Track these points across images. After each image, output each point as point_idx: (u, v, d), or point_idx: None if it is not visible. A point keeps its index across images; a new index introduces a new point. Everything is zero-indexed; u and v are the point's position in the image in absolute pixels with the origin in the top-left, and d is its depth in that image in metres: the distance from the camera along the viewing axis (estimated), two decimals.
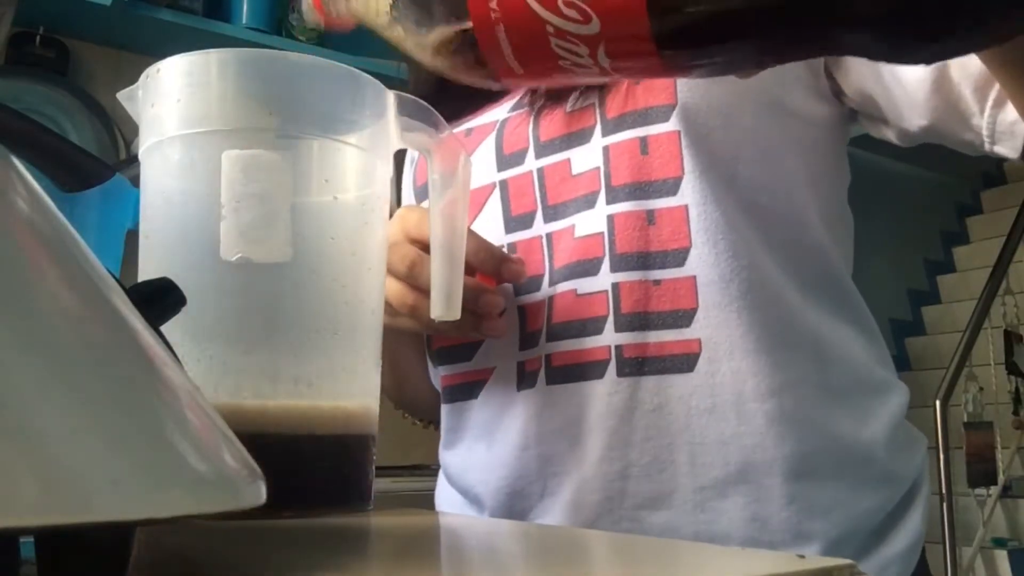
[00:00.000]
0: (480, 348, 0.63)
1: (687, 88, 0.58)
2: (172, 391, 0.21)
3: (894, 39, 0.32)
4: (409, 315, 0.57)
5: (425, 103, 0.49)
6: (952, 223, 4.58)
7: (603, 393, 0.57)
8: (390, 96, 0.47)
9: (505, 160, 0.64)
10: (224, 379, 0.41)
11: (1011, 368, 3.48)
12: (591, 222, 0.59)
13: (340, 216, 0.45)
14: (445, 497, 0.69)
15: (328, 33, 2.04)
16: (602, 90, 0.61)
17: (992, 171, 4.59)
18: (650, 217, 0.58)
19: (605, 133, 0.60)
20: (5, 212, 0.21)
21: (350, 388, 0.44)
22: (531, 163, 0.63)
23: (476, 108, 0.67)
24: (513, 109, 0.65)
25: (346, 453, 0.44)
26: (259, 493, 0.22)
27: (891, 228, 3.77)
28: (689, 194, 0.57)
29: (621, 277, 0.58)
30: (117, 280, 0.24)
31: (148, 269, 0.44)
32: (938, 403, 2.82)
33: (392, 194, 0.57)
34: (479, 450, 0.64)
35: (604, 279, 0.58)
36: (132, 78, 0.46)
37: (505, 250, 0.63)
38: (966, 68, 0.53)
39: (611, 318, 0.58)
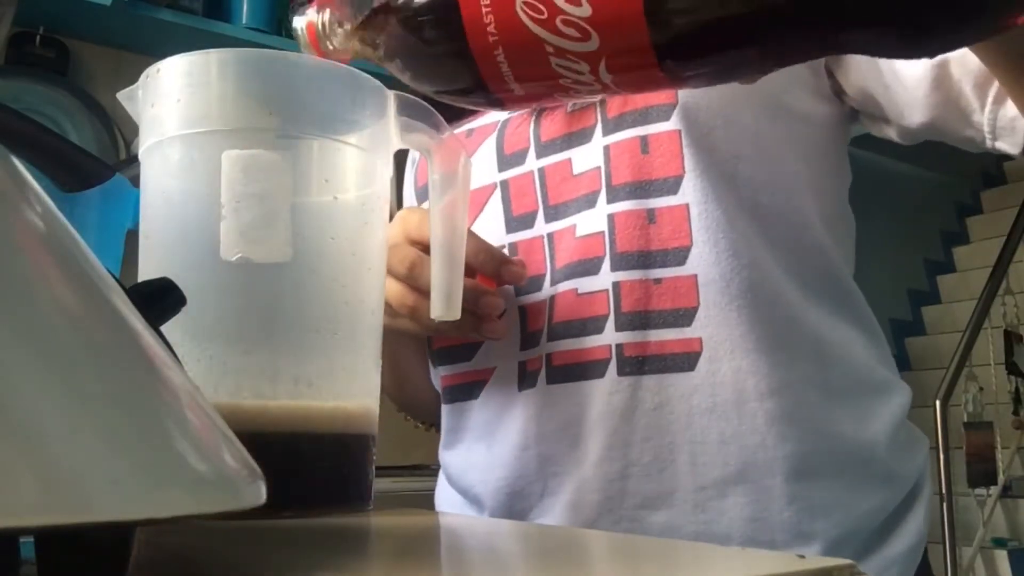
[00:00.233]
0: (480, 348, 0.63)
1: None
2: (172, 391, 0.21)
3: (897, 34, 0.32)
4: (409, 316, 0.57)
5: (425, 103, 0.49)
6: (952, 223, 4.58)
7: (604, 392, 0.57)
8: (390, 96, 0.47)
9: (506, 160, 0.64)
10: (224, 379, 0.41)
11: (1011, 368, 3.48)
12: (592, 221, 0.59)
13: (340, 216, 0.45)
14: (445, 497, 0.69)
15: None
16: None
17: (992, 171, 4.59)
18: (651, 216, 0.58)
19: (606, 132, 0.60)
20: (5, 212, 0.21)
21: (350, 388, 0.44)
22: (532, 163, 0.63)
23: (475, 111, 0.67)
24: (513, 111, 0.65)
25: (346, 453, 0.44)
26: (259, 493, 0.22)
27: (891, 228, 3.77)
28: (690, 193, 0.57)
29: (622, 276, 0.58)
30: (117, 280, 0.24)
31: (148, 269, 0.44)
32: (938, 403, 2.82)
33: (392, 195, 0.57)
34: (479, 450, 0.64)
35: (605, 278, 0.58)
36: (132, 78, 0.46)
37: (506, 250, 0.63)
38: (966, 65, 0.53)
39: (612, 317, 0.58)
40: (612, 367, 0.57)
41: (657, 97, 0.58)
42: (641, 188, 0.58)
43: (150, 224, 0.44)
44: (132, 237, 0.51)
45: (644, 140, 0.58)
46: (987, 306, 3.24)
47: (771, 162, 0.60)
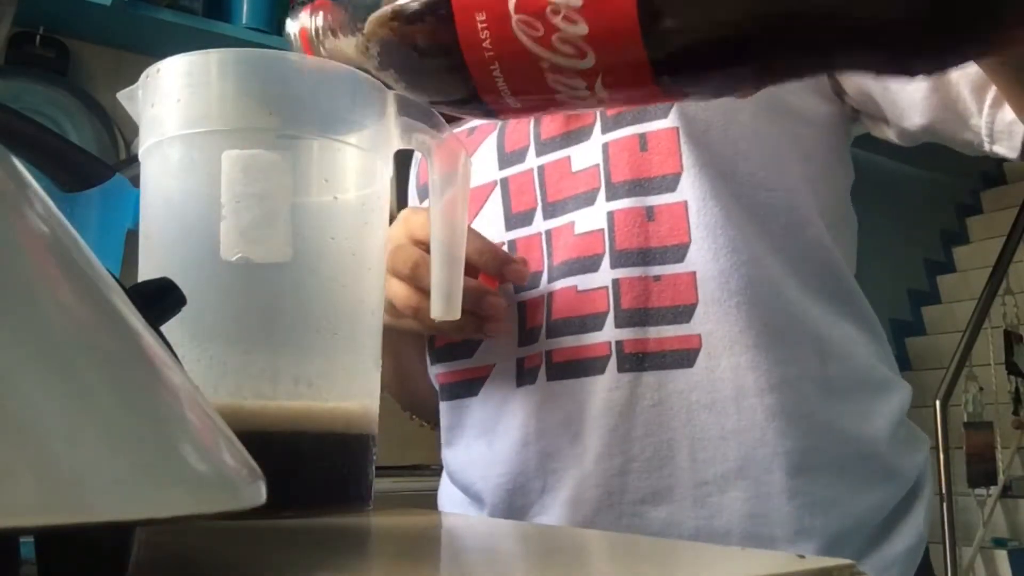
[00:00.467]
0: (481, 346, 0.63)
1: None
2: (172, 391, 0.21)
3: (893, 55, 0.32)
4: (412, 316, 0.57)
5: (425, 103, 0.49)
6: (952, 223, 4.58)
7: (604, 389, 0.58)
8: (390, 96, 0.47)
9: (506, 158, 0.64)
10: (224, 379, 0.41)
11: (1011, 368, 3.48)
12: (591, 219, 0.59)
13: (340, 216, 0.45)
14: (447, 496, 0.70)
15: None
16: None
17: (992, 171, 4.59)
18: (649, 213, 0.58)
19: (605, 130, 0.60)
20: (5, 212, 0.21)
21: (350, 388, 0.44)
22: (532, 161, 0.63)
23: None
24: None
25: (346, 453, 0.44)
26: (259, 493, 0.22)
27: (891, 228, 3.77)
28: (688, 190, 0.57)
29: (621, 273, 0.58)
30: (117, 280, 0.24)
31: (148, 269, 0.44)
32: (938, 403, 2.82)
33: (393, 194, 0.57)
34: (479, 447, 0.64)
35: (604, 275, 0.58)
36: (132, 78, 0.46)
37: (505, 247, 0.63)
38: (964, 69, 0.53)
39: (611, 314, 0.58)
40: (612, 364, 0.58)
41: None
42: (640, 185, 0.58)
43: (150, 224, 0.44)
44: (132, 237, 0.51)
45: (643, 137, 0.58)
46: (987, 306, 3.24)
47: (770, 160, 0.60)
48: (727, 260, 0.56)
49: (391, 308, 0.56)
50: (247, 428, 0.37)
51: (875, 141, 0.67)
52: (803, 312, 0.59)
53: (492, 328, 0.57)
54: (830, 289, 0.62)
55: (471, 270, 0.53)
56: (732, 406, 0.56)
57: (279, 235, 0.42)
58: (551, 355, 0.60)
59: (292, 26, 0.47)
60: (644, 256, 0.58)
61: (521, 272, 0.59)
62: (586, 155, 0.60)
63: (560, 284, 0.60)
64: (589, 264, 0.59)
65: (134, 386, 0.20)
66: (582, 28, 0.33)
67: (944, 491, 2.77)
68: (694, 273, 0.57)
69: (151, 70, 0.44)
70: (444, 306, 0.50)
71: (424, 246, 0.55)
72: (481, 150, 0.66)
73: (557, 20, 0.33)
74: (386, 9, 0.37)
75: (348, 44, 0.43)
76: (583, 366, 0.58)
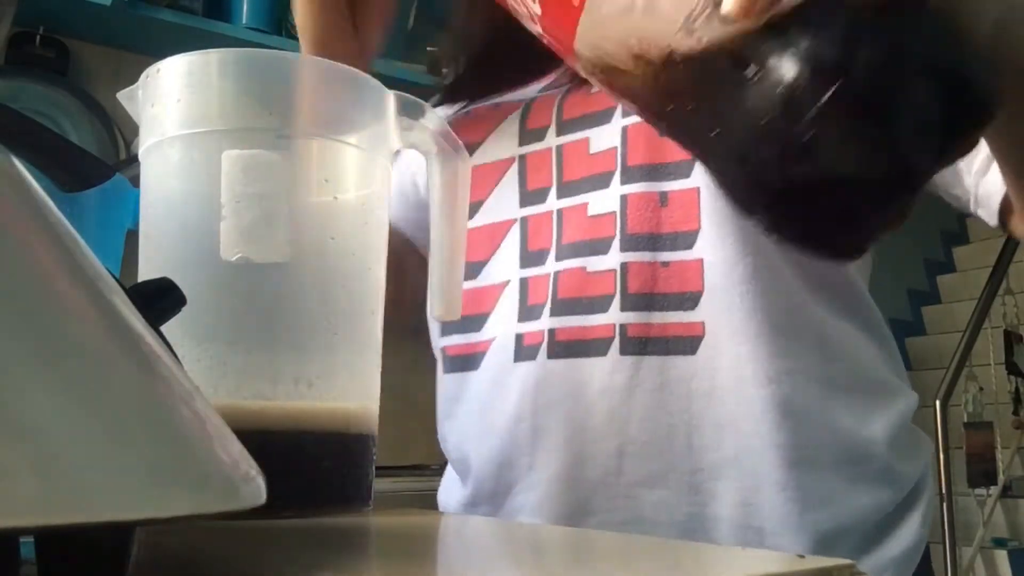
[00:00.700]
0: (489, 319, 0.63)
1: None
2: (172, 391, 0.21)
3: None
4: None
5: (425, 103, 0.49)
6: (952, 223, 4.58)
7: (605, 370, 0.58)
8: (390, 96, 0.47)
9: (527, 135, 0.65)
10: (224, 379, 0.41)
11: (1011, 368, 3.48)
12: (604, 201, 0.60)
13: (340, 216, 0.45)
14: (449, 480, 0.70)
15: None
16: None
17: None
18: (663, 199, 0.58)
19: (625, 113, 0.60)
20: (5, 212, 0.21)
21: (350, 388, 0.44)
22: (551, 140, 0.63)
23: (511, 84, 0.68)
24: (543, 90, 0.66)
25: (346, 453, 0.44)
26: (259, 493, 0.22)
27: None
28: (701, 177, 0.58)
29: (630, 257, 0.58)
30: (117, 280, 0.24)
31: (148, 269, 0.44)
32: (938, 403, 2.82)
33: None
34: (474, 421, 0.64)
35: (613, 258, 0.59)
36: (132, 78, 0.46)
37: (517, 224, 0.63)
38: None
39: (618, 297, 0.58)
40: (615, 346, 0.58)
41: None
42: (655, 170, 0.59)
43: (150, 224, 0.44)
44: (132, 237, 0.51)
45: None
46: (987, 306, 3.24)
47: None
48: (733, 248, 0.57)
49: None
50: (247, 428, 0.37)
51: None
52: (808, 308, 0.59)
53: None
54: (836, 289, 0.62)
55: None
56: (731, 395, 0.56)
57: (279, 235, 0.42)
58: (554, 333, 0.60)
59: None
60: (654, 241, 0.58)
61: None
62: (605, 137, 0.61)
63: (568, 264, 0.60)
64: (599, 246, 0.59)
65: (134, 386, 0.20)
66: None
67: (944, 491, 2.76)
68: (701, 260, 0.57)
69: (151, 70, 0.44)
70: (444, 306, 0.49)
71: None
72: (503, 125, 0.66)
73: None
74: None
75: None
76: (586, 346, 0.59)
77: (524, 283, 0.62)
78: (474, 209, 0.64)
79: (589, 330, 0.59)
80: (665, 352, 0.57)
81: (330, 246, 0.44)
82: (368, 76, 0.45)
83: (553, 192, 0.63)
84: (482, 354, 0.64)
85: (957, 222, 4.59)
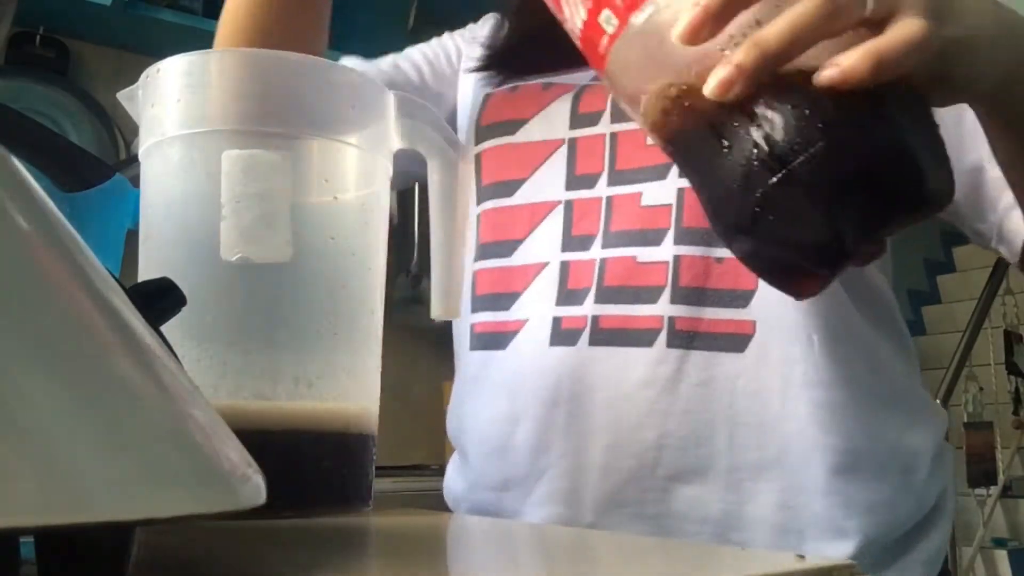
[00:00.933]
0: (519, 299, 0.63)
1: None
2: (172, 391, 0.21)
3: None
4: None
5: (425, 103, 0.49)
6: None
7: (650, 361, 0.57)
8: (390, 96, 0.47)
9: (579, 119, 0.64)
10: (224, 379, 0.41)
11: (1011, 368, 3.47)
12: (660, 193, 0.59)
13: (340, 216, 0.45)
14: (452, 469, 0.69)
15: (329, 34, 2.03)
16: None
17: None
18: None
19: None
20: (5, 212, 0.21)
21: (350, 388, 0.44)
22: (606, 126, 0.63)
23: (563, 66, 0.66)
24: (596, 79, 0.65)
25: (346, 453, 0.44)
26: (259, 493, 0.22)
27: None
28: None
29: (684, 250, 0.58)
30: (117, 280, 0.24)
31: (148, 269, 0.44)
32: (938, 403, 2.82)
33: (392, 194, 0.57)
34: (501, 403, 0.63)
35: (666, 250, 0.58)
36: (132, 78, 0.46)
37: (561, 207, 0.63)
38: (996, 168, 0.55)
39: (668, 289, 0.58)
40: (662, 338, 0.58)
41: None
42: None
43: (150, 224, 0.44)
44: (132, 237, 0.51)
45: None
46: (987, 306, 3.24)
47: None
48: None
49: None
50: (247, 428, 0.37)
51: None
52: (854, 319, 0.59)
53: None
54: (878, 307, 0.63)
55: None
56: (777, 396, 0.56)
57: (279, 235, 0.42)
58: (598, 320, 0.59)
59: None
60: (709, 236, 0.58)
61: None
62: None
63: (617, 252, 0.60)
64: (652, 237, 0.59)
65: (134, 386, 0.20)
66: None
67: None
68: None
69: (151, 70, 0.44)
70: (444, 306, 0.49)
71: None
72: (554, 106, 0.65)
73: None
74: None
75: None
76: (631, 335, 0.58)
77: (565, 266, 0.61)
78: (514, 187, 0.63)
79: (636, 320, 0.58)
80: (712, 348, 0.57)
81: (330, 246, 0.44)
82: (368, 76, 0.45)
83: (604, 179, 0.62)
84: (512, 334, 0.63)
85: None
